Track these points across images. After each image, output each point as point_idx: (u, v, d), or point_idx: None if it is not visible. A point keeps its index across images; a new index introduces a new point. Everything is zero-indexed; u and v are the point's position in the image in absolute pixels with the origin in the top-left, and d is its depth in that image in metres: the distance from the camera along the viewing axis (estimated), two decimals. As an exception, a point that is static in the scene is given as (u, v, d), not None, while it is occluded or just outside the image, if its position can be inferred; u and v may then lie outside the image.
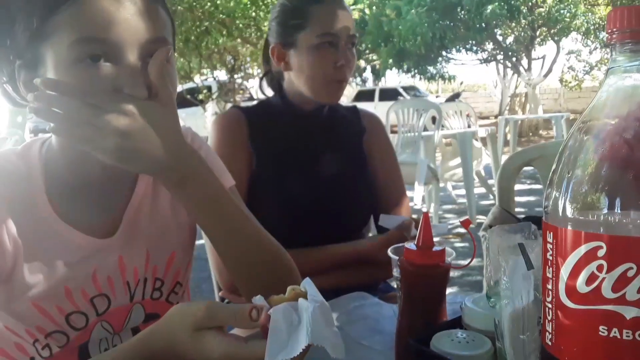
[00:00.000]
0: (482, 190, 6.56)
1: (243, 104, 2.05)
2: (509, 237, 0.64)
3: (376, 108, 18.11)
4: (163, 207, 0.98)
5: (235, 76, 14.71)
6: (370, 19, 16.47)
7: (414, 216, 1.41)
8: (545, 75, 16.19)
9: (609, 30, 0.49)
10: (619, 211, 0.46)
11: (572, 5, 13.16)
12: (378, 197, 1.55)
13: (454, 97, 18.96)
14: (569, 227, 0.47)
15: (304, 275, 0.74)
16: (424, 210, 6.11)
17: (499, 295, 0.63)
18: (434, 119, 5.78)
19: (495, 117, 18.65)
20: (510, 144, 8.34)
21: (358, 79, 24.95)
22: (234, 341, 0.63)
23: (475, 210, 5.43)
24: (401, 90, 20.11)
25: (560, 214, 0.49)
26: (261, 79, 1.58)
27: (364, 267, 1.42)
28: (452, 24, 14.86)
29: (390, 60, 17.11)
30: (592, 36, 14.40)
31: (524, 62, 16.31)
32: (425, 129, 5.69)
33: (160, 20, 0.81)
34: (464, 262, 0.86)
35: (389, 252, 0.92)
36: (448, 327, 0.78)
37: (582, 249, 0.46)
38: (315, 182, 1.46)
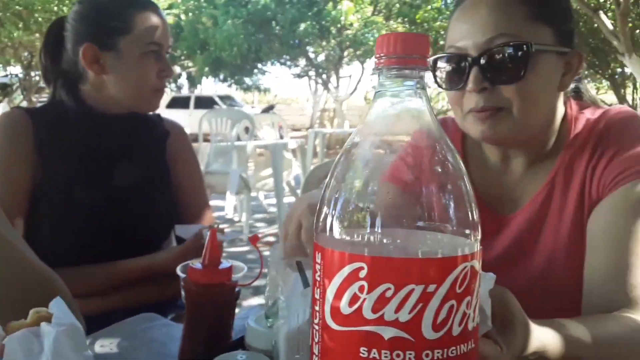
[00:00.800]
0: (293, 199, 6.77)
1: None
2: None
3: (191, 115, 17.74)
4: None
5: (33, 73, 13.32)
6: (186, 25, 16.15)
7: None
8: (352, 93, 17.41)
9: (377, 55, 0.50)
10: (380, 232, 0.46)
11: (375, 30, 14.32)
12: (180, 208, 1.47)
13: (268, 109, 19.37)
14: (334, 248, 0.47)
15: (87, 295, 0.66)
16: (236, 218, 6.11)
17: (276, 315, 0.62)
18: (247, 129, 5.82)
19: (307, 129, 19.52)
20: (319, 155, 8.77)
21: (173, 85, 24.25)
22: None
23: (284, 218, 5.57)
24: (217, 99, 19.98)
25: (327, 234, 0.48)
26: (55, 79, 1.41)
27: (164, 281, 1.33)
28: (267, 37, 15.23)
29: (207, 69, 16.96)
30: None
31: (333, 79, 17.34)
32: (238, 139, 5.71)
33: None
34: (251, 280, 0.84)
35: (178, 270, 0.86)
36: (232, 348, 0.75)
37: (346, 270, 0.45)
38: (110, 192, 1.35)
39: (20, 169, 1.29)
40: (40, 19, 9.66)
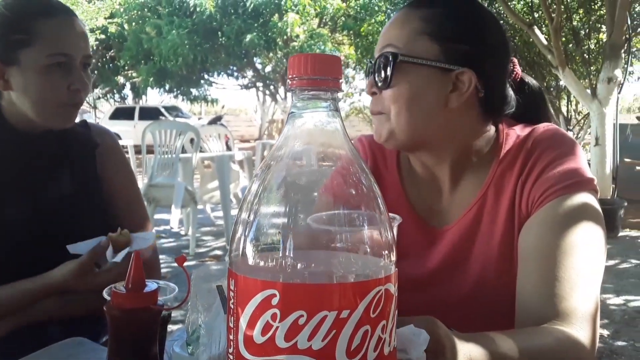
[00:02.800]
0: (240, 212, 6.71)
1: None
2: (211, 278, 0.61)
3: (136, 127, 17.35)
4: None
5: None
6: (129, 34, 15.80)
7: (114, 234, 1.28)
8: (300, 104, 17.43)
9: (290, 76, 0.50)
10: (293, 256, 0.45)
11: (322, 43, 14.44)
12: (117, 221, 1.42)
13: (216, 119, 19.16)
14: (247, 274, 0.46)
15: None
16: (182, 232, 5.99)
17: (197, 342, 0.59)
18: (192, 141, 5.72)
19: (256, 140, 19.42)
20: (267, 167, 8.71)
21: (117, 96, 23.66)
22: None
23: (232, 231, 5.49)
24: (163, 110, 19.61)
25: (240, 259, 0.47)
26: None
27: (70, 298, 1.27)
28: (213, 48, 15.09)
29: (151, 79, 16.62)
30: (339, 72, 15.98)
31: (281, 90, 17.35)
32: (184, 151, 5.60)
33: None
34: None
35: (104, 294, 0.82)
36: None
37: (258, 297, 0.44)
38: (36, 212, 1.29)
39: None
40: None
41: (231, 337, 0.47)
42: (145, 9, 15.39)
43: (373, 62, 1.00)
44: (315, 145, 0.49)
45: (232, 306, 0.47)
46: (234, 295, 0.47)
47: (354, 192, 0.48)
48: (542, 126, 1.03)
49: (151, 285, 0.78)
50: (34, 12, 1.24)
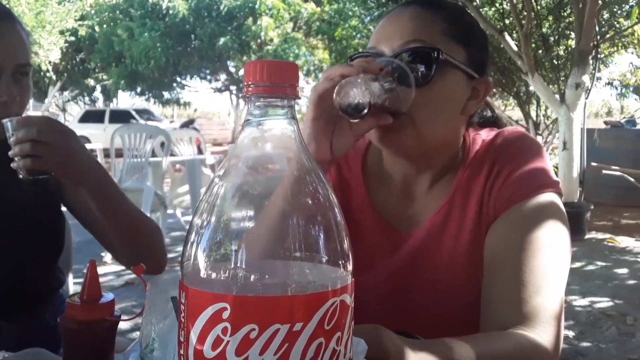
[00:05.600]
0: (212, 217, 6.65)
1: None
2: (167, 288, 0.59)
3: (106, 130, 17.07)
4: None
5: None
6: (100, 36, 15.56)
7: None
8: (273, 108, 17.39)
9: (246, 83, 0.48)
10: (244, 268, 0.44)
11: (296, 47, 14.43)
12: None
13: (188, 123, 18.98)
14: (198, 287, 0.44)
15: None
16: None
17: (151, 355, 0.58)
18: (163, 145, 5.65)
19: (229, 143, 19.30)
20: (240, 171, 8.67)
21: (87, 99, 23.25)
22: None
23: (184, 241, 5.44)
24: (134, 113, 19.33)
25: (191, 272, 0.45)
26: None
27: None
28: (186, 51, 14.96)
29: (123, 82, 16.39)
30: (313, 76, 16.00)
31: (255, 94, 17.26)
32: (154, 155, 5.53)
33: None
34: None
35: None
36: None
37: (209, 311, 0.43)
38: None
39: None
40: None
41: (181, 351, 0.45)
42: (117, 11, 15.19)
43: (393, 54, 0.91)
44: (271, 153, 0.48)
45: (182, 320, 0.45)
46: (185, 309, 0.45)
47: (310, 201, 0.47)
48: (508, 130, 1.04)
49: (107, 296, 0.76)
50: None
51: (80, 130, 18.33)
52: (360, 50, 1.03)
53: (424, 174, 1.02)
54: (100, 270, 4.63)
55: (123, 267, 5.01)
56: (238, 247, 0.44)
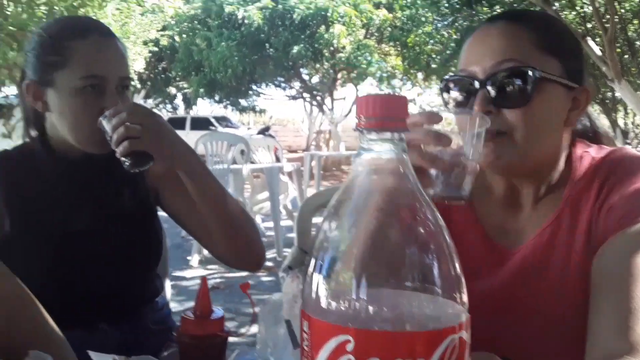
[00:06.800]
0: (290, 222, 6.76)
1: None
2: (278, 310, 0.63)
3: (187, 136, 17.68)
4: None
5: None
6: (180, 46, 16.24)
7: None
8: (346, 115, 17.47)
9: (358, 116, 0.51)
10: (366, 299, 0.47)
11: (368, 54, 14.43)
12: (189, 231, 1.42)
13: (265, 130, 19.41)
14: (321, 318, 0.47)
15: None
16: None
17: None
18: (243, 152, 5.83)
19: (303, 150, 19.54)
20: (315, 177, 8.78)
21: (169, 106, 24.36)
22: None
23: (282, 242, 5.56)
24: (213, 120, 20.05)
25: (313, 302, 0.49)
26: (25, 118, 1.34)
27: None
28: (261, 59, 15.32)
29: (202, 90, 17.01)
30: (385, 82, 15.95)
31: (328, 101, 17.41)
32: (234, 162, 5.71)
33: None
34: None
35: None
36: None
37: (333, 342, 0.46)
38: (86, 241, 1.29)
39: None
40: (33, 40, 9.60)
41: (308, 377, 0.49)
42: (196, 22, 15.78)
43: (486, 76, 0.92)
44: (383, 185, 0.51)
45: (305, 348, 0.49)
46: (308, 338, 0.48)
47: (422, 230, 0.49)
48: (619, 149, 1.01)
49: (217, 312, 0.81)
50: (70, 33, 1.23)
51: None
52: (452, 72, 1.03)
53: (529, 187, 1.01)
54: (187, 273, 4.82)
55: (209, 271, 5.18)
56: (358, 279, 0.47)
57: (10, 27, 8.73)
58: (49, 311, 0.93)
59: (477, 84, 0.93)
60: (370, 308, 0.47)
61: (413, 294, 0.47)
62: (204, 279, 0.81)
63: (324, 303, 0.48)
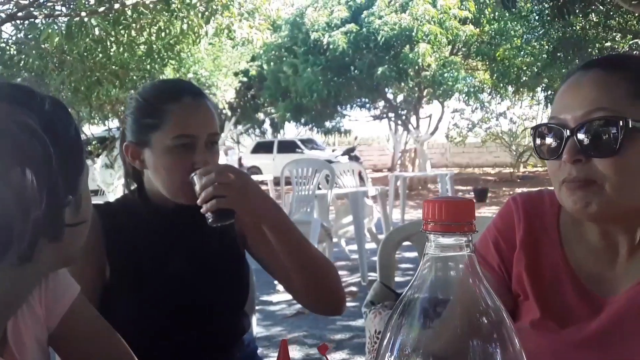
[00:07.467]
0: (374, 246, 6.75)
1: None
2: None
3: (275, 160, 18.34)
4: None
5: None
6: (268, 74, 16.82)
7: None
8: (432, 133, 17.23)
9: (425, 220, 0.53)
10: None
11: (454, 70, 14.21)
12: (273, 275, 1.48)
13: (349, 150, 19.62)
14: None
15: None
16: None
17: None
18: (327, 178, 5.93)
19: (389, 169, 19.48)
20: (400, 197, 8.73)
21: (257, 131, 25.25)
22: None
23: (366, 266, 5.56)
24: (299, 143, 20.52)
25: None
26: (125, 173, 1.46)
27: None
28: (345, 82, 15.51)
29: (288, 114, 17.49)
30: (473, 97, 15.59)
31: (413, 120, 17.27)
32: (319, 187, 5.82)
33: None
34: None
35: None
36: None
37: None
38: (180, 285, 1.36)
39: (92, 268, 1.31)
40: (134, 77, 10.29)
41: None
42: (283, 49, 16.28)
43: (576, 125, 0.93)
44: (450, 287, 0.52)
45: None
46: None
47: (493, 333, 0.50)
48: None
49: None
50: (164, 96, 1.33)
51: (253, 160, 19.95)
52: (545, 120, 1.03)
53: (623, 235, 0.98)
54: (274, 298, 4.93)
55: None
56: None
57: (113, 67, 9.38)
58: (144, 353, 1.01)
59: (567, 133, 0.93)
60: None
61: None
62: (283, 341, 0.85)
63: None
